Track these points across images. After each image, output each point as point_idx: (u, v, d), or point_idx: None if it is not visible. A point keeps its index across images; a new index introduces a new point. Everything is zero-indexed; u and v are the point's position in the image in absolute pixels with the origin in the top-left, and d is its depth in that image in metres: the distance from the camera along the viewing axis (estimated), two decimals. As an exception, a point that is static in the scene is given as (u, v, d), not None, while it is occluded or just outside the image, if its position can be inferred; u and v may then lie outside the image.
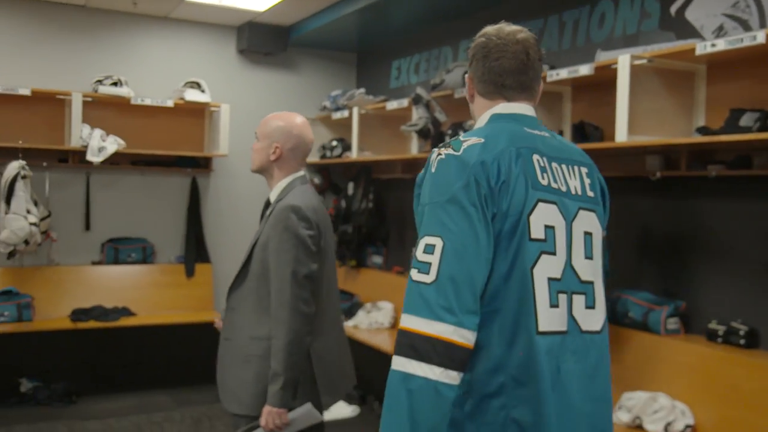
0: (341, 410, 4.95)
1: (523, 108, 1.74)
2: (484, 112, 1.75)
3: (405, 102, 5.11)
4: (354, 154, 5.68)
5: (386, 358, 4.67)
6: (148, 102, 5.58)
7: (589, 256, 1.67)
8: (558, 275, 1.60)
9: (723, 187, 3.38)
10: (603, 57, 3.79)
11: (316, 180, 6.39)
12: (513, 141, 1.63)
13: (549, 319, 1.57)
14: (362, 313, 5.54)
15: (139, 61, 5.87)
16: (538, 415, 1.53)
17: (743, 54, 3.07)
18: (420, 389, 1.46)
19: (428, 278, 1.50)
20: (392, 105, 5.29)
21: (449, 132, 4.47)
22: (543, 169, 1.63)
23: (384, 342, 5.06)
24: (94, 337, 5.54)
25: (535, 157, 1.63)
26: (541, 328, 1.55)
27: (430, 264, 1.51)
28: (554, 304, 1.58)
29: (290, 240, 2.59)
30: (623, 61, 3.30)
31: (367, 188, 5.94)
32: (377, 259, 6.20)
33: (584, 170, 1.75)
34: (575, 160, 1.74)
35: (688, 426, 3.07)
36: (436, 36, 5.59)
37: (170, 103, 5.66)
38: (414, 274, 1.54)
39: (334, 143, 6.10)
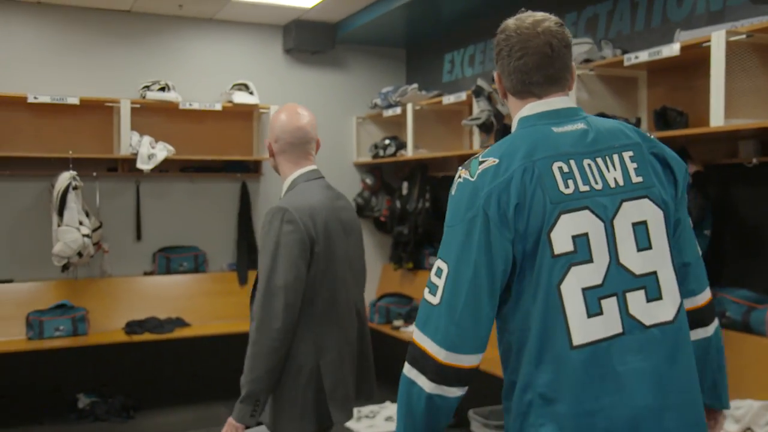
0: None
1: (554, 103, 1.65)
2: (516, 111, 1.69)
3: (463, 95, 4.85)
4: (409, 152, 5.43)
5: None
6: (195, 106, 5.40)
7: (645, 247, 1.58)
8: (599, 281, 1.54)
9: None
10: (684, 37, 3.47)
11: (368, 180, 6.16)
12: (532, 153, 1.56)
13: (589, 329, 1.52)
14: (423, 317, 5.28)
15: (186, 65, 5.70)
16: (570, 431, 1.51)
17: None
18: (418, 396, 1.57)
19: (434, 300, 1.56)
20: (449, 99, 5.03)
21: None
22: (567, 175, 1.56)
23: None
24: (149, 349, 5.37)
25: (556, 165, 1.56)
26: (576, 342, 1.52)
27: (437, 287, 1.56)
28: (596, 312, 1.53)
29: (268, 246, 2.34)
30: (718, 38, 3.00)
31: (423, 187, 5.68)
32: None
33: (628, 154, 1.62)
34: (616, 146, 1.62)
35: (808, 438, 2.76)
36: (490, 25, 5.25)
37: (218, 107, 5.48)
38: (425, 292, 1.60)
39: (387, 141, 5.86)
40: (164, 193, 5.67)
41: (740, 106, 3.03)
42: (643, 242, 1.58)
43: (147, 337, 5.11)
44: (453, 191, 1.61)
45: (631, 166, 1.60)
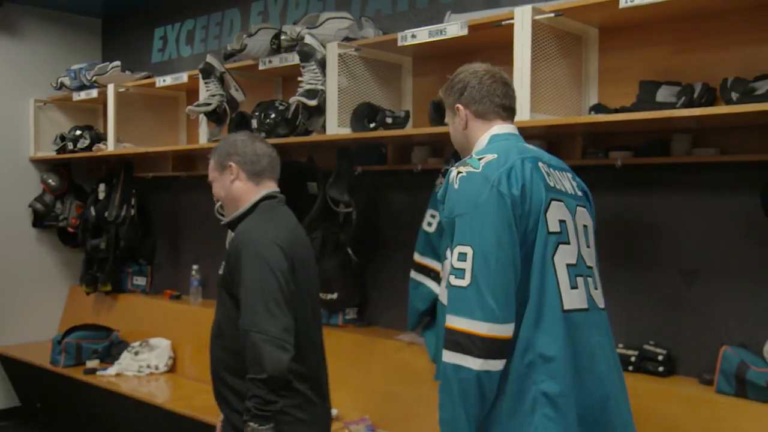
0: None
1: (513, 128, 1.94)
2: (482, 134, 1.91)
3: (183, 76, 3.79)
4: (110, 146, 4.17)
5: (167, 416, 3.35)
6: None
7: (588, 245, 1.88)
8: (574, 261, 1.80)
9: (627, 176, 2.66)
10: (456, 19, 2.87)
11: (52, 181, 4.74)
12: (521, 153, 1.80)
13: (571, 298, 1.76)
14: (128, 355, 4.07)
15: None
16: (565, 385, 1.69)
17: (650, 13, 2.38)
18: (468, 377, 1.65)
19: (464, 282, 1.67)
20: (164, 81, 3.92)
21: (257, 114, 3.25)
22: (548, 174, 1.82)
23: (161, 392, 3.70)
24: None
25: (541, 164, 1.82)
26: (566, 307, 1.74)
27: (464, 270, 1.68)
28: (574, 286, 1.77)
29: None
30: (522, 15, 2.40)
31: (127, 190, 4.46)
32: (140, 281, 4.73)
33: (569, 175, 1.94)
34: (562, 167, 1.93)
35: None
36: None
37: None
38: (452, 279, 1.70)
39: (78, 132, 4.49)
40: None
41: (540, 100, 2.48)
42: (587, 242, 1.88)
43: None
44: (457, 185, 1.74)
45: (573, 184, 1.92)
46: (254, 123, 3.26)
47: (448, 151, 3.13)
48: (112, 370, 3.97)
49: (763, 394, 2.21)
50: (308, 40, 2.96)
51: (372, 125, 2.85)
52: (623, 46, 2.63)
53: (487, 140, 1.86)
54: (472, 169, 1.72)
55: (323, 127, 3.03)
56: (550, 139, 2.80)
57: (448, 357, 1.68)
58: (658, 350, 2.52)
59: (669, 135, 2.50)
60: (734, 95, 2.08)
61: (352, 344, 3.29)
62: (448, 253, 1.76)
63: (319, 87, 2.94)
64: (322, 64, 2.96)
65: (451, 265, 1.70)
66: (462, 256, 1.67)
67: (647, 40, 2.60)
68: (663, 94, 2.40)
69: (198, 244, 4.51)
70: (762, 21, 2.33)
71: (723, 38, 2.41)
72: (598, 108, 2.53)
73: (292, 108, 3.03)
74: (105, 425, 3.95)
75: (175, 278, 4.66)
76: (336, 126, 2.90)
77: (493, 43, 2.68)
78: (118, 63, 4.38)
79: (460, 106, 1.91)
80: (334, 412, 3.15)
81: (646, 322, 2.62)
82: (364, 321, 3.54)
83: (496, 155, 1.74)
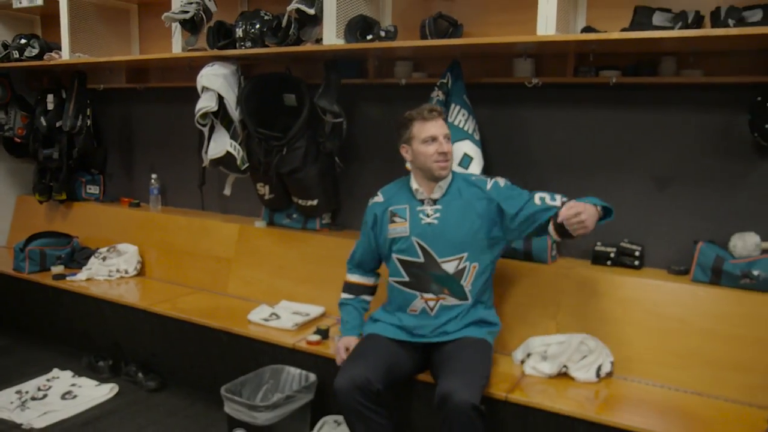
0: (92, 393, 3.46)
1: None
2: None
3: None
4: (66, 55, 3.94)
5: (140, 315, 3.34)
6: None
7: None
8: None
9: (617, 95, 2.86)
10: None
11: (-7, 90, 4.42)
12: None
13: None
14: (96, 261, 3.99)
15: None
16: None
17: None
18: None
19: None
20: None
21: (241, 24, 3.18)
22: None
23: (131, 295, 3.69)
24: None
25: None
26: None
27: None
28: None
29: None
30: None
31: (82, 101, 4.24)
32: (93, 190, 4.60)
33: None
34: None
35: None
36: None
37: None
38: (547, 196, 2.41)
39: (24, 41, 4.19)
40: None
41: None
42: None
43: None
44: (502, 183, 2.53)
45: None
46: (239, 32, 3.20)
47: (429, 66, 3.23)
48: (82, 276, 3.87)
49: (736, 281, 2.51)
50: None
51: (369, 37, 2.89)
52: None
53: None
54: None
55: (318, 40, 3.02)
56: (541, 59, 2.93)
57: None
58: (634, 246, 2.79)
59: (657, 57, 2.67)
60: (731, 21, 2.26)
61: (335, 246, 3.38)
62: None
63: (317, -5, 2.92)
64: (320, -28, 2.91)
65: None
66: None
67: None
68: (658, 19, 2.54)
69: (155, 154, 4.41)
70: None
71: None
72: (587, 29, 2.61)
73: (286, 17, 3.01)
74: (76, 329, 3.88)
75: (129, 187, 4.55)
76: (334, 37, 2.88)
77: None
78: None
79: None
80: (319, 310, 3.32)
81: (622, 222, 2.76)
82: (338, 225, 3.66)
83: None
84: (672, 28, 2.46)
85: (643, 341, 2.59)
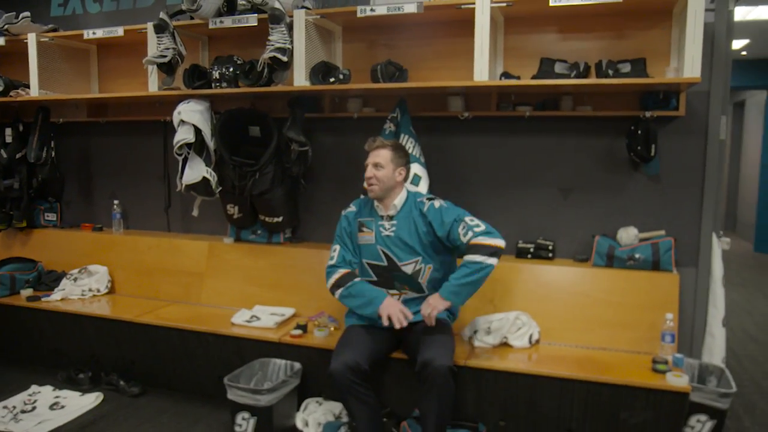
0: (79, 402, 3.68)
1: None
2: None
3: (119, 30, 3.94)
4: (35, 92, 4.17)
5: (122, 327, 3.78)
6: None
7: None
8: None
9: (529, 125, 3.53)
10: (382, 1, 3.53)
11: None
12: None
13: None
14: (68, 282, 4.21)
15: None
16: None
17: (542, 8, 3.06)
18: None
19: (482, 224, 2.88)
20: (93, 34, 4.03)
21: (216, 67, 3.62)
22: None
23: (109, 309, 3.94)
24: None
25: None
26: None
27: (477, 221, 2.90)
28: None
29: None
30: (482, 2, 2.96)
31: (46, 134, 4.46)
32: (51, 217, 4.78)
33: None
34: None
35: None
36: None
37: None
38: (477, 221, 2.89)
39: (-10, 79, 4.38)
40: None
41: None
42: None
43: None
44: (444, 204, 2.99)
45: None
46: (215, 74, 3.62)
47: (377, 103, 3.73)
48: (56, 296, 4.08)
49: (624, 263, 3.24)
50: (277, 5, 3.41)
51: (332, 80, 3.40)
52: (522, 31, 3.38)
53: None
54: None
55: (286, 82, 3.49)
56: (470, 96, 3.51)
57: (494, 261, 2.74)
58: (547, 242, 3.47)
59: (559, 96, 3.36)
60: (610, 72, 3.01)
61: (299, 256, 3.85)
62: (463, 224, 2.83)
63: (288, 46, 3.36)
64: (290, 27, 3.38)
65: (468, 218, 2.86)
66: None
67: (540, 28, 3.35)
68: (559, 68, 3.21)
69: (115, 182, 4.67)
70: (616, 22, 3.21)
71: (593, 32, 3.28)
72: (506, 75, 3.25)
73: (261, 62, 3.46)
74: (49, 347, 4.08)
75: (90, 212, 4.77)
76: (303, 79, 3.36)
77: (413, 21, 3.37)
78: (27, 14, 4.31)
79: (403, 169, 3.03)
80: (291, 310, 3.73)
81: (537, 224, 3.57)
82: (297, 238, 4.11)
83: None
84: (569, 75, 3.16)
85: (559, 314, 3.26)
